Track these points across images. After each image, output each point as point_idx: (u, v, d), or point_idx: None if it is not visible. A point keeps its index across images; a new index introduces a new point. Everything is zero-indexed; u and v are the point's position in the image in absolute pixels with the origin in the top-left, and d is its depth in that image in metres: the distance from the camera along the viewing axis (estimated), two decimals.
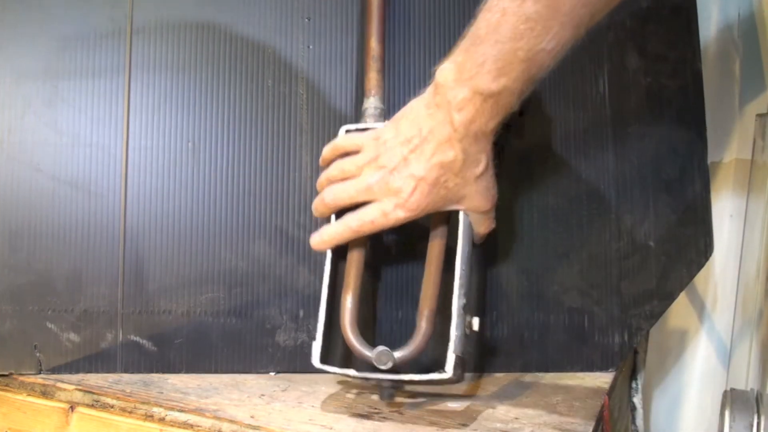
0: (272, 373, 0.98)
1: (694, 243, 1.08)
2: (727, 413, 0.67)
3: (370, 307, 0.96)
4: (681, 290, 1.10)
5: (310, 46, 1.00)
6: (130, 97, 0.97)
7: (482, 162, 0.80)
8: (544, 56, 0.74)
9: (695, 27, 1.07)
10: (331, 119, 1.00)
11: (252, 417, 0.83)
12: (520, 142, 1.03)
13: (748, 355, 1.13)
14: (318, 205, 0.86)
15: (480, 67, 0.75)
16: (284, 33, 1.00)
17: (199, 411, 0.83)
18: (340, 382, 0.96)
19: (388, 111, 0.95)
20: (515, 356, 1.03)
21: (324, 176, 0.86)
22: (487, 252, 1.01)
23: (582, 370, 1.04)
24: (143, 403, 0.85)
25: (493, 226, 0.88)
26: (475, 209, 0.83)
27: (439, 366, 0.79)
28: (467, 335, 0.78)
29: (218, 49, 0.99)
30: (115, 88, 0.97)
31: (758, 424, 0.67)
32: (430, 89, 0.80)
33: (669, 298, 1.06)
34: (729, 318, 1.22)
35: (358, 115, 1.00)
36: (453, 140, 0.77)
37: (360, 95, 1.00)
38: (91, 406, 0.87)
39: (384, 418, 0.84)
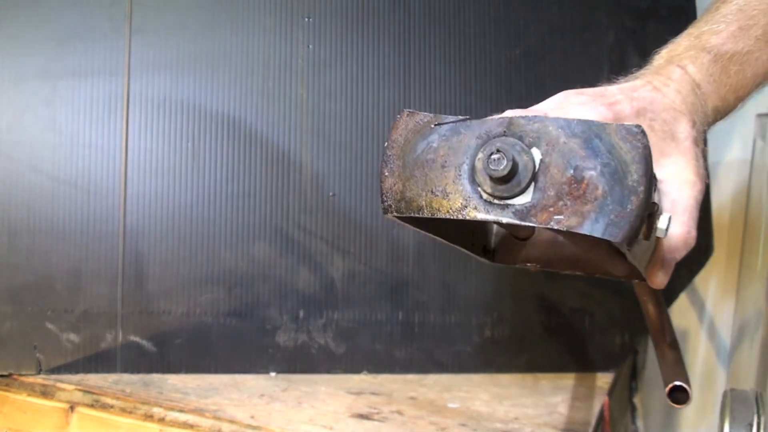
0: (272, 374, 0.98)
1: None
2: (727, 413, 0.67)
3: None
4: (681, 290, 1.10)
5: (310, 46, 1.00)
6: (130, 97, 0.97)
7: None
8: None
9: None
10: (331, 119, 1.00)
11: (252, 417, 0.83)
12: None
13: (748, 355, 1.12)
14: None
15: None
16: (284, 33, 1.00)
17: (199, 411, 0.83)
18: (340, 384, 0.96)
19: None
20: (516, 356, 1.03)
21: None
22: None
23: (583, 370, 1.04)
24: (143, 403, 0.85)
25: None
26: None
27: None
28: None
29: (218, 49, 0.98)
30: (114, 88, 0.96)
31: (758, 424, 0.67)
32: None
33: (669, 298, 1.06)
34: (729, 318, 1.22)
35: (358, 115, 1.00)
36: None
37: (361, 94, 1.00)
38: (91, 406, 0.87)
39: (384, 418, 0.84)
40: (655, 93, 0.60)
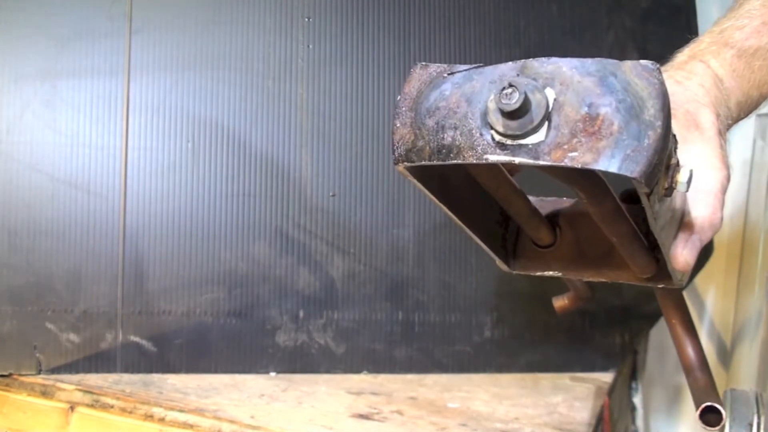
0: (272, 374, 0.98)
1: None
2: (727, 413, 0.67)
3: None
4: (681, 290, 1.10)
5: (310, 46, 1.00)
6: (130, 97, 0.97)
7: None
8: None
9: (695, 27, 1.07)
10: (331, 119, 1.00)
11: (252, 417, 0.83)
12: None
13: (748, 355, 1.12)
14: None
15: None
16: (284, 33, 1.00)
17: (199, 411, 0.83)
18: (340, 384, 0.96)
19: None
20: (516, 356, 1.03)
21: None
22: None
23: (583, 370, 1.04)
24: (143, 403, 0.85)
25: None
26: None
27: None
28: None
29: (218, 49, 0.98)
30: (114, 88, 0.96)
31: (758, 424, 0.67)
32: None
33: None
34: (729, 318, 1.22)
35: (358, 115, 1.00)
36: None
37: (361, 94, 1.00)
38: (91, 406, 0.87)
39: (384, 418, 0.84)
40: (677, 86, 0.59)
